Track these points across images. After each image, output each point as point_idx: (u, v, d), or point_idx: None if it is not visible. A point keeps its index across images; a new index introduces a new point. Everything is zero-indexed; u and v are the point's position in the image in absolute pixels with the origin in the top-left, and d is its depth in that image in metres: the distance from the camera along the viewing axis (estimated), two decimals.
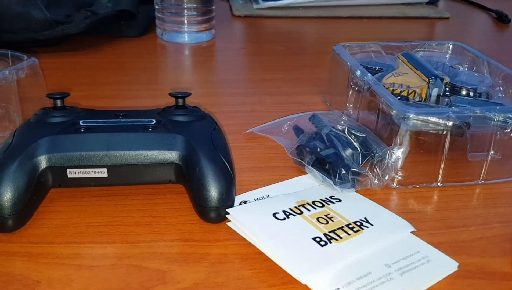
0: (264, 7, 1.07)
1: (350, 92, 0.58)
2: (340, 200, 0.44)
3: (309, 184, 0.47)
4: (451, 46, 0.65)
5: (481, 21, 1.13)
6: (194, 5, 0.86)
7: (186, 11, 0.86)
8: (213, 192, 0.40)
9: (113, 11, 0.81)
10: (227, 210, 0.41)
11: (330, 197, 0.45)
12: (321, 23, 1.04)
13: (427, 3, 1.15)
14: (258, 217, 0.40)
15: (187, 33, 0.87)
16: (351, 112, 0.57)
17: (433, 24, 1.07)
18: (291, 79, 0.73)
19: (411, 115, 0.45)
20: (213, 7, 0.89)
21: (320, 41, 0.95)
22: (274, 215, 0.41)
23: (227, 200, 0.41)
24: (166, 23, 0.87)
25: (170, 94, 0.47)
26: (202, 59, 0.83)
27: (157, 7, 0.88)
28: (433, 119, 0.46)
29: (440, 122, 0.46)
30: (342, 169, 0.45)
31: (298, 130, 0.54)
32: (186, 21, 0.87)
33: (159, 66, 0.78)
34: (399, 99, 0.51)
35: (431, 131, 0.46)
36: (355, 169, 0.45)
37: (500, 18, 1.10)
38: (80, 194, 0.44)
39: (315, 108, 0.63)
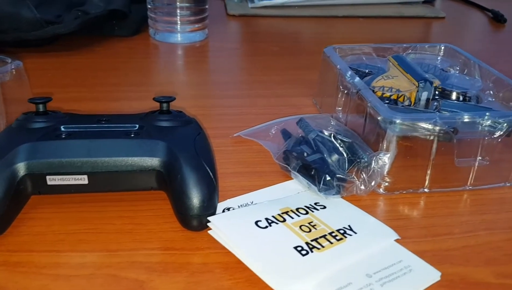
0: (259, 6, 1.06)
1: (339, 95, 0.57)
2: (324, 207, 0.44)
3: (295, 190, 0.46)
4: (443, 48, 0.65)
5: (477, 20, 1.13)
6: (187, 4, 0.85)
7: (178, 11, 0.85)
8: (194, 199, 0.40)
9: (104, 11, 0.81)
10: (208, 218, 0.40)
11: (315, 203, 0.44)
12: (317, 22, 1.04)
13: (423, 2, 1.15)
14: (239, 226, 0.40)
15: (180, 33, 0.87)
16: (340, 116, 0.57)
17: (429, 24, 1.06)
18: (284, 80, 0.73)
19: (398, 121, 0.45)
20: (206, 7, 0.88)
21: (316, 41, 0.95)
22: (256, 223, 0.40)
23: (208, 208, 0.40)
24: (159, 22, 0.87)
25: (154, 98, 0.47)
26: (195, 59, 0.82)
27: (149, 6, 0.87)
28: (420, 124, 0.45)
29: (427, 127, 0.45)
30: (327, 175, 0.44)
31: (285, 134, 0.53)
32: (178, 21, 0.86)
33: (151, 67, 0.77)
34: (388, 103, 0.51)
35: (418, 136, 0.46)
36: (340, 175, 0.45)
37: (496, 18, 1.09)
38: (62, 200, 0.44)
39: (306, 110, 0.62)
